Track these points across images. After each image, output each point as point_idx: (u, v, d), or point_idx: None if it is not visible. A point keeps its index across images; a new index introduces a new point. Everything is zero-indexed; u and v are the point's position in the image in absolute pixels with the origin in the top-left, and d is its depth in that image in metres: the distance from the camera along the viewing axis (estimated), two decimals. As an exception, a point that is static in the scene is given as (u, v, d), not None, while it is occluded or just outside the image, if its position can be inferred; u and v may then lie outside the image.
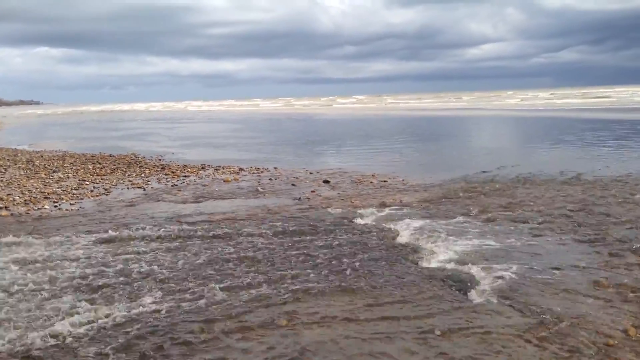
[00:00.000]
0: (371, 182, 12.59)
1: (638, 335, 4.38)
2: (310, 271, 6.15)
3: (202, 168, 15.63)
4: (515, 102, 73.65)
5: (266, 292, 5.54)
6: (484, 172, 13.54)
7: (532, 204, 9.55)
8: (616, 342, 4.29)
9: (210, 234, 7.84)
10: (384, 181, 12.70)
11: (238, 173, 14.53)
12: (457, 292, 5.53)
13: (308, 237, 7.61)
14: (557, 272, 5.96)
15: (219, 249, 7.09)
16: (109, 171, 15.02)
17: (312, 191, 11.53)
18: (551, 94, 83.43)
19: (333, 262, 6.47)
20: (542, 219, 8.41)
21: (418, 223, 8.27)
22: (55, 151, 21.33)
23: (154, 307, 5.17)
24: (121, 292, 5.58)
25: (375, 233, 7.78)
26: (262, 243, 7.34)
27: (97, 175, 14.17)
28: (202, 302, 5.29)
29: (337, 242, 7.33)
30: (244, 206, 10.02)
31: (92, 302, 5.30)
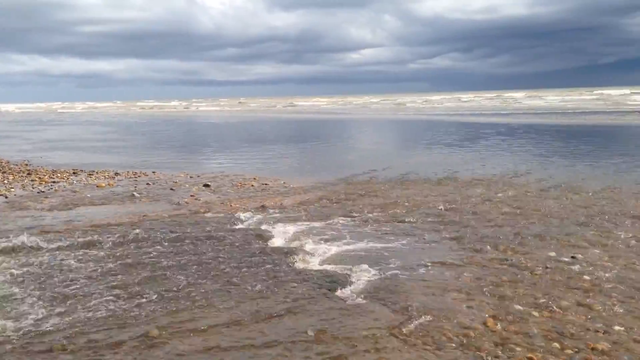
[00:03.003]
0: (252, 185, 12.48)
1: (496, 326, 4.63)
2: (183, 278, 5.94)
3: (74, 173, 14.73)
4: (397, 105, 77.13)
5: (131, 304, 5.26)
6: (363, 173, 13.93)
7: (407, 204, 9.90)
8: (477, 333, 4.50)
9: (77, 242, 7.35)
10: (265, 184, 12.65)
11: (113, 178, 13.84)
12: (330, 292, 5.57)
13: (184, 243, 7.35)
14: (425, 269, 6.19)
15: (86, 258, 6.66)
16: (-35, 177, 13.73)
17: (192, 195, 11.22)
18: (425, 101, 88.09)
19: (208, 267, 6.29)
20: (415, 218, 8.73)
21: (296, 225, 8.29)
22: None
23: None
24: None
25: (252, 236, 7.69)
26: (133, 251, 7.00)
27: (-49, 182, 12.91)
28: (53, 318, 4.92)
29: (213, 247, 7.15)
30: (117, 213, 9.53)
31: None
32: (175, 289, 5.64)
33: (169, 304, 5.21)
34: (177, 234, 7.79)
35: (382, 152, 19.95)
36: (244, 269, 6.25)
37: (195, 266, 6.35)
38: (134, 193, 11.44)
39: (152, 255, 6.79)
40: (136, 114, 73.82)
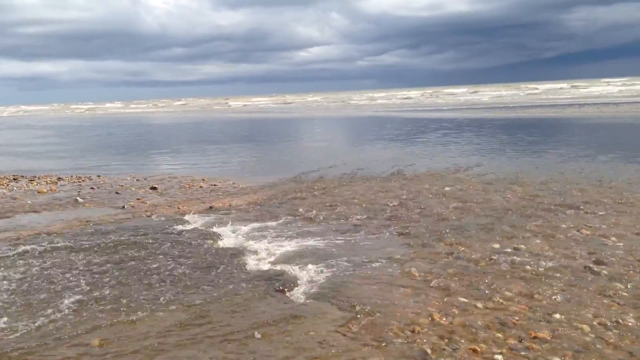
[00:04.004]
0: (201, 187, 12.30)
1: (442, 319, 4.68)
2: (128, 284, 5.79)
3: (14, 179, 14.17)
4: (342, 103, 77.97)
5: (74, 312, 5.09)
6: (312, 171, 13.93)
7: (356, 201, 9.95)
8: (422, 328, 4.54)
9: (10, 253, 7.06)
10: (214, 185, 12.49)
11: (56, 183, 13.39)
12: (279, 293, 5.52)
13: (128, 248, 7.17)
14: (374, 265, 6.22)
15: (20, 268, 6.41)
16: None
17: (138, 199, 10.97)
18: (369, 97, 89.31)
19: (154, 272, 6.16)
20: (364, 215, 8.77)
21: (244, 226, 8.20)
22: None
23: None
24: None
25: (199, 239, 7.56)
26: (73, 258, 6.77)
27: None
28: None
29: (159, 251, 7.00)
30: (59, 219, 9.21)
31: None
32: (116, 294, 5.49)
33: (109, 310, 5.06)
34: (120, 238, 7.60)
35: (330, 150, 19.99)
36: (190, 272, 6.15)
37: (138, 270, 6.21)
38: (77, 198, 11.09)
39: (94, 261, 6.60)
40: (74, 117, 71.83)
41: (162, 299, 5.38)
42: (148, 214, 9.42)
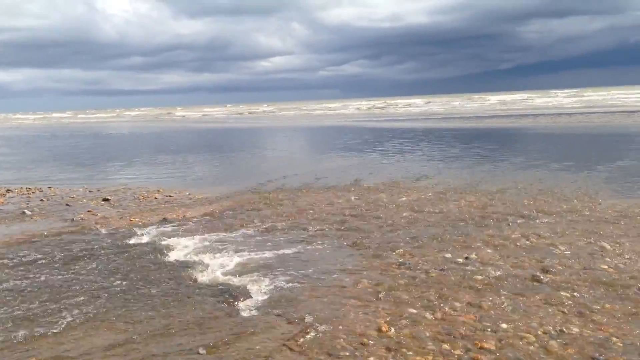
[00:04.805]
0: (155, 198, 12.08)
1: (390, 331, 4.67)
2: (75, 299, 5.60)
3: (-41, 191, 13.67)
4: (301, 113, 78.30)
5: (14, 329, 4.90)
6: (271, 181, 13.86)
7: (312, 211, 9.91)
8: (371, 340, 4.51)
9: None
10: (170, 196, 12.28)
11: (4, 195, 12.96)
12: (228, 306, 5.43)
13: (72, 262, 6.95)
14: (325, 277, 6.18)
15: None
16: None
17: (89, 211, 10.68)
18: (327, 107, 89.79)
19: (101, 287, 5.98)
20: (319, 226, 8.74)
21: (198, 238, 8.07)
22: None
23: None
24: None
25: (149, 252, 7.39)
26: (19, 273, 6.53)
27: None
28: None
29: (108, 265, 6.81)
30: (2, 233, 8.89)
31: None
32: (52, 309, 5.30)
33: (54, 326, 4.88)
34: (66, 252, 7.37)
35: (288, 160, 19.94)
36: (139, 286, 6.00)
37: (85, 286, 6.02)
38: (25, 210, 10.74)
39: (36, 277, 6.37)
40: (35, 126, 70.03)
41: (103, 315, 5.22)
42: (98, 226, 9.18)
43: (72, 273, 6.51)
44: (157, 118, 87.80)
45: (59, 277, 6.37)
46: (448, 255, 6.84)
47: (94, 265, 6.80)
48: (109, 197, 12.15)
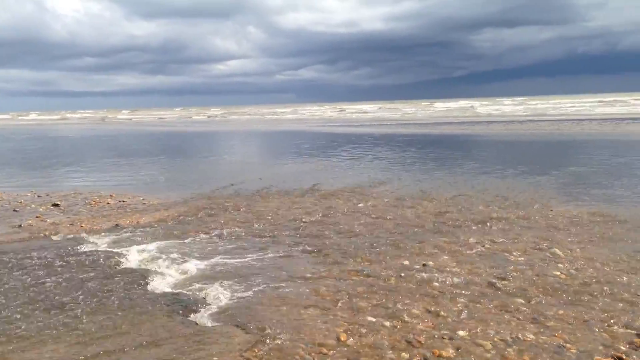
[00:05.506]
0: (108, 203, 11.77)
1: (349, 340, 4.63)
2: (20, 312, 5.36)
3: None
4: (256, 117, 78.20)
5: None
6: (227, 187, 13.68)
7: (269, 217, 9.82)
8: (330, 350, 4.47)
9: None
10: (123, 201, 11.98)
11: (-54, 200, 12.40)
12: (184, 316, 5.30)
13: (18, 271, 6.68)
14: (284, 285, 6.10)
15: None
16: None
17: (37, 216, 10.31)
18: (274, 112, 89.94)
19: (49, 297, 5.75)
20: (277, 232, 8.66)
21: (152, 245, 7.88)
22: None
23: None
24: None
25: (101, 259, 7.16)
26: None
27: None
28: None
29: (57, 274, 6.56)
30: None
31: None
32: (6, 322, 5.07)
33: (-3, 343, 4.66)
34: (10, 260, 7.08)
35: (243, 165, 19.75)
36: (89, 297, 5.78)
37: (32, 297, 5.77)
38: (-31, 216, 10.30)
39: (-18, 287, 6.09)
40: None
41: (51, 327, 5.01)
42: (47, 233, 8.86)
43: (18, 283, 6.24)
44: (102, 120, 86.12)
45: (3, 287, 6.09)
46: (406, 262, 6.87)
47: (42, 275, 6.54)
48: (58, 202, 11.77)
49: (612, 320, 4.98)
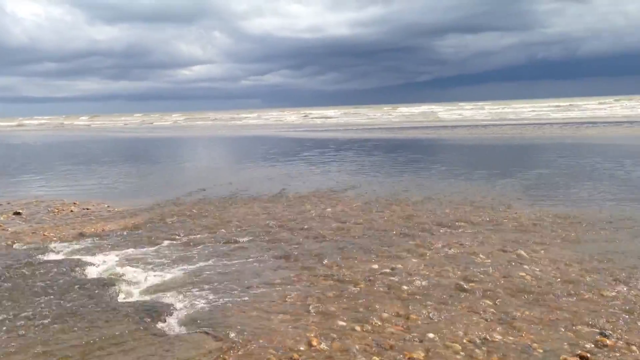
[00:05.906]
0: (72, 211, 11.52)
1: (320, 345, 4.62)
2: (-23, 323, 5.20)
3: None
4: (220, 122, 78.08)
5: None
6: (192, 193, 13.54)
7: (238, 223, 9.75)
8: (301, 355, 4.45)
9: None
10: (87, 209, 11.74)
11: None
12: (152, 324, 5.21)
13: (-19, 281, 6.49)
14: (253, 291, 6.06)
15: None
16: None
17: (-2, 225, 10.04)
18: (232, 117, 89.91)
19: (12, 309, 5.59)
20: (245, 237, 8.61)
21: (118, 253, 7.74)
22: None
23: None
24: None
25: (68, 269, 7.00)
26: None
27: None
28: None
29: (20, 285, 6.38)
30: None
31: None
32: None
33: (-44, 357, 4.51)
34: (-26, 272, 6.87)
35: (210, 171, 19.58)
36: (52, 307, 5.64)
37: (-7, 308, 5.61)
38: None
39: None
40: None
41: (15, 341, 4.87)
42: (8, 242, 8.62)
43: (-21, 293, 6.06)
44: (61, 126, 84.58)
45: (-36, 298, 5.91)
46: (375, 266, 6.90)
47: (4, 286, 6.36)
48: (20, 211, 11.47)
49: (576, 320, 5.09)
